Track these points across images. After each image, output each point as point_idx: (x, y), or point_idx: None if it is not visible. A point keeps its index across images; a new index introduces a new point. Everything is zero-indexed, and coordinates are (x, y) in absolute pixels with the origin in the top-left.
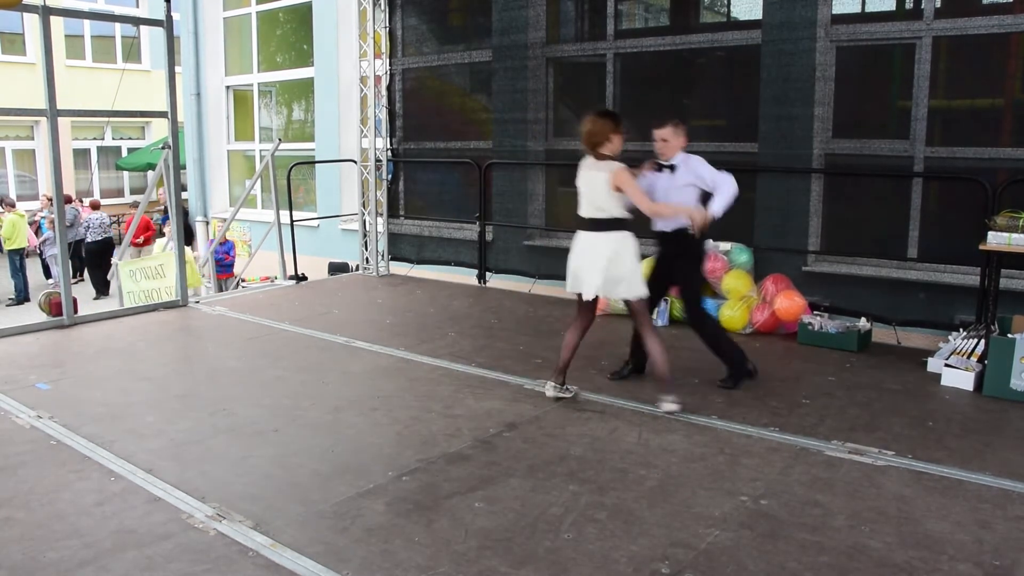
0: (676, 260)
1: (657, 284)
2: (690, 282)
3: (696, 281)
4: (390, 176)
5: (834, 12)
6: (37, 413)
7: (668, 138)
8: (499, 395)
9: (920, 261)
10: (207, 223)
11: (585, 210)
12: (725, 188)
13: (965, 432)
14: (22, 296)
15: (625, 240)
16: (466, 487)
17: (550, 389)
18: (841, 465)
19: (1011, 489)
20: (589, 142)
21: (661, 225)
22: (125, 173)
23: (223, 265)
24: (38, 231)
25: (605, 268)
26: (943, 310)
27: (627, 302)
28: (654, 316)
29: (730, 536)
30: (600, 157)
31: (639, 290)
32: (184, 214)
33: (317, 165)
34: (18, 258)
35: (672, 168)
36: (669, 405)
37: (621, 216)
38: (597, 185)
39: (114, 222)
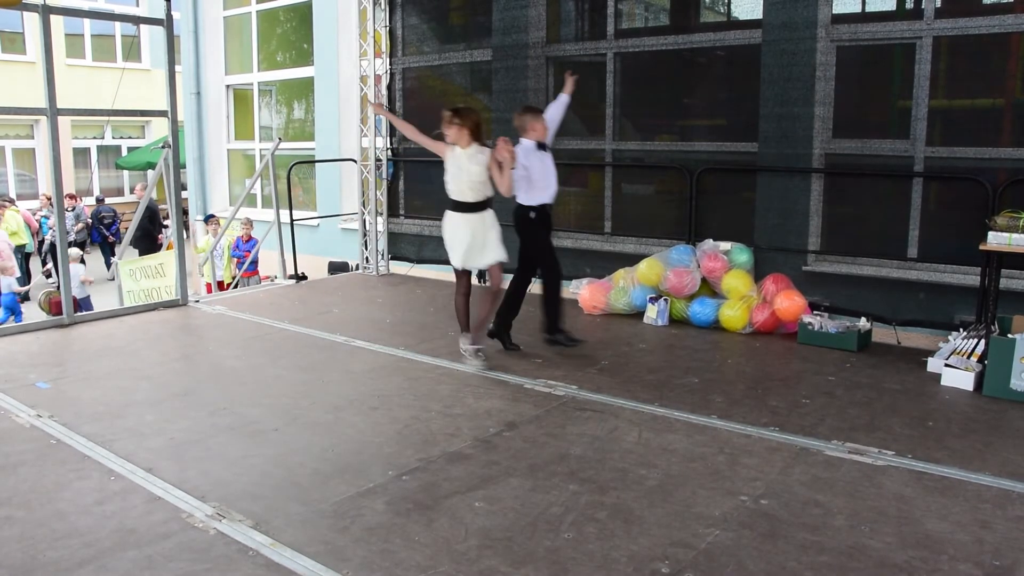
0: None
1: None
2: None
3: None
4: (390, 175)
5: (835, 12)
6: (37, 412)
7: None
8: (499, 395)
9: (920, 261)
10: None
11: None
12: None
13: (965, 432)
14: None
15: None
16: (466, 486)
17: (466, 346)
18: (841, 465)
19: (1011, 489)
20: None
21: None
22: (125, 172)
23: (252, 263)
24: (39, 231)
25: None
26: (943, 310)
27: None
28: (655, 316)
29: (730, 536)
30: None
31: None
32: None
33: (317, 164)
34: (20, 256)
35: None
36: (466, 345)
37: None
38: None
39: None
